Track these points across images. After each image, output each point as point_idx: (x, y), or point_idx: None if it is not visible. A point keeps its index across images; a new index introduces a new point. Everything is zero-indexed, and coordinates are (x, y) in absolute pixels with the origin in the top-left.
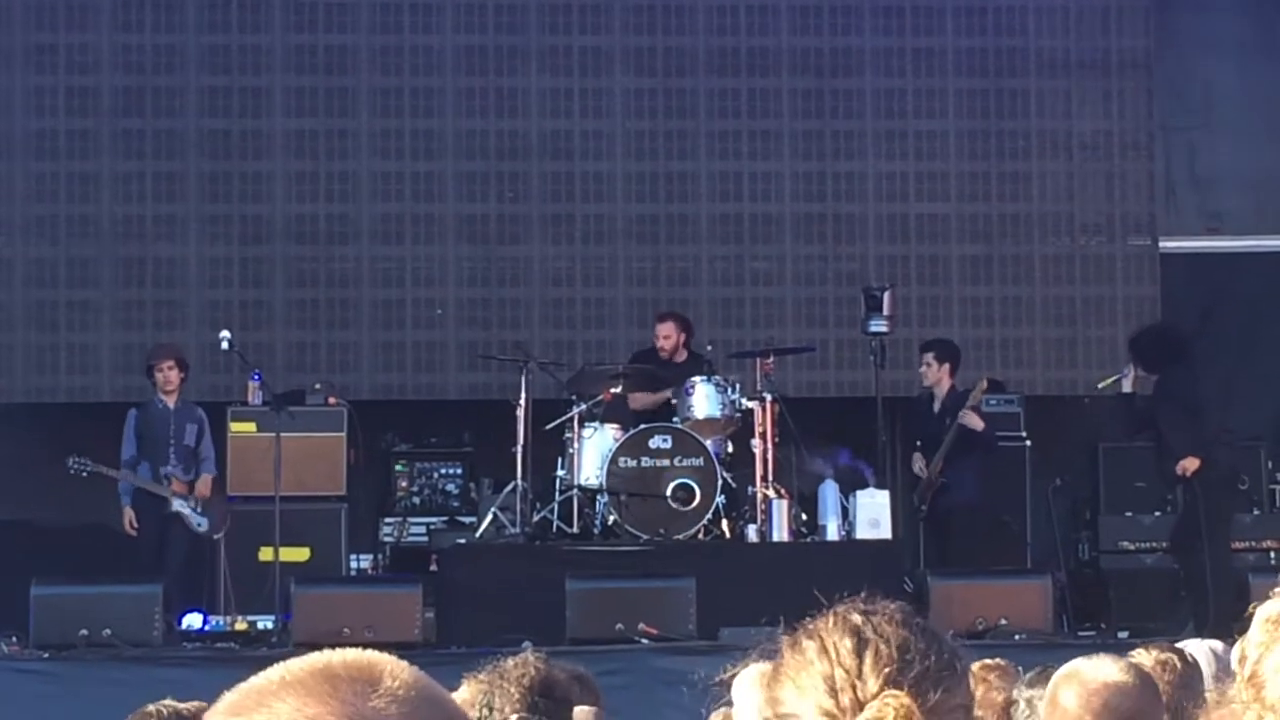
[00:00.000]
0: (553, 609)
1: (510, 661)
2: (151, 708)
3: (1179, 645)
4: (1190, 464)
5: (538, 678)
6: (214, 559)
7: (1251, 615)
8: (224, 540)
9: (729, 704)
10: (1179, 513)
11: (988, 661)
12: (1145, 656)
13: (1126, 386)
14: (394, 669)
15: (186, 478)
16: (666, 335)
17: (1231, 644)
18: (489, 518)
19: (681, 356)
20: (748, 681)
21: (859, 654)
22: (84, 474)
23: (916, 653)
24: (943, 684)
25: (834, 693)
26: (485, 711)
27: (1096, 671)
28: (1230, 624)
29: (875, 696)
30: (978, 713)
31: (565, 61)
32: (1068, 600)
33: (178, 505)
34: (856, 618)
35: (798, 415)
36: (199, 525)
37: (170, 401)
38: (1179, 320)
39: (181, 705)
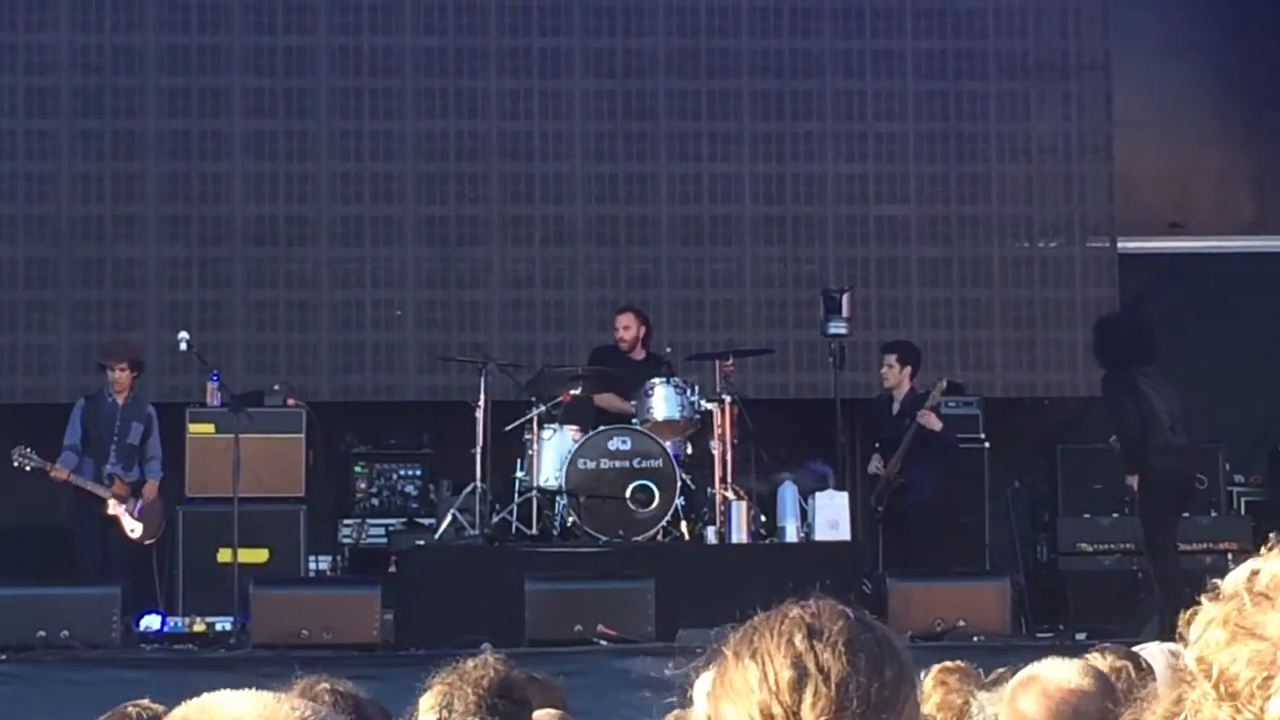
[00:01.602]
0: (512, 610)
1: (470, 663)
2: (131, 709)
3: (1136, 649)
4: (1131, 481)
5: (496, 679)
6: (160, 562)
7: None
8: (182, 541)
9: (684, 705)
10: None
11: (948, 664)
12: (1101, 661)
13: None
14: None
15: (129, 477)
16: (626, 326)
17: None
18: (448, 519)
19: (641, 355)
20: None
21: (798, 690)
22: (27, 468)
23: (856, 692)
24: (882, 715)
25: None
26: (445, 713)
27: (1058, 677)
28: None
29: None
30: (937, 715)
31: (525, 63)
32: (1026, 602)
33: (114, 509)
34: (799, 642)
35: (757, 417)
36: (132, 531)
37: (120, 399)
38: (1140, 321)
39: (158, 706)
